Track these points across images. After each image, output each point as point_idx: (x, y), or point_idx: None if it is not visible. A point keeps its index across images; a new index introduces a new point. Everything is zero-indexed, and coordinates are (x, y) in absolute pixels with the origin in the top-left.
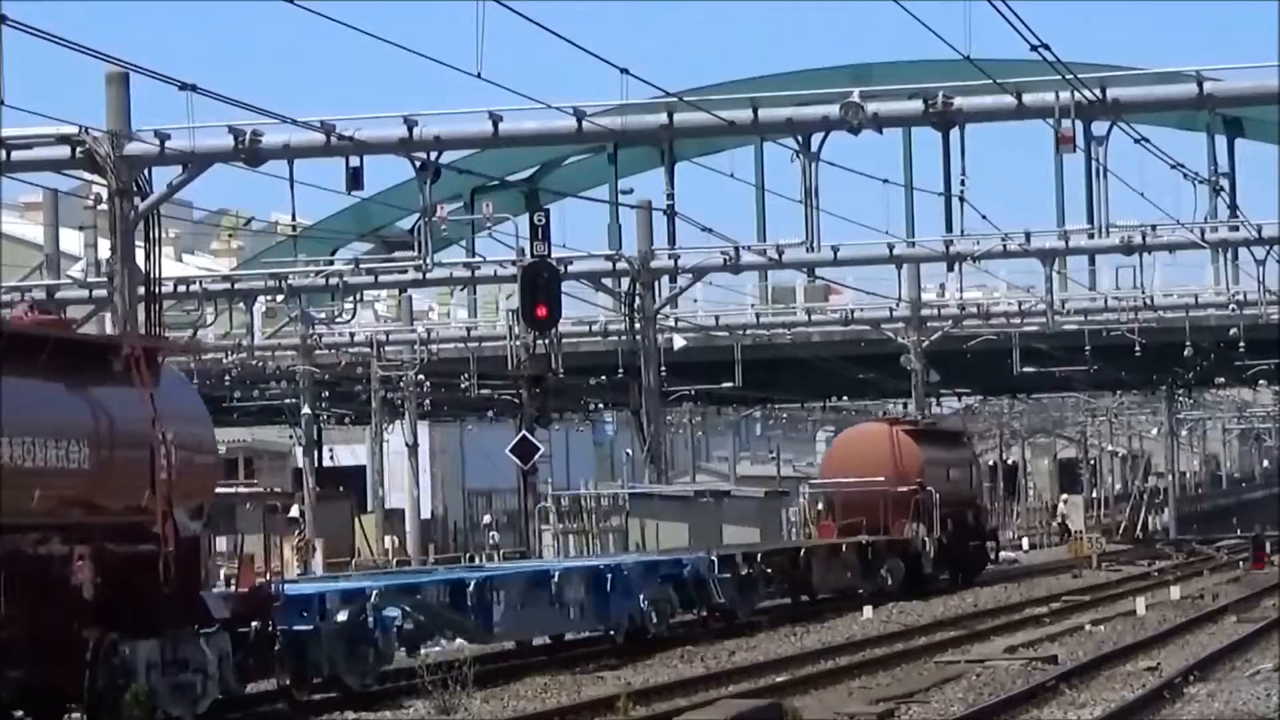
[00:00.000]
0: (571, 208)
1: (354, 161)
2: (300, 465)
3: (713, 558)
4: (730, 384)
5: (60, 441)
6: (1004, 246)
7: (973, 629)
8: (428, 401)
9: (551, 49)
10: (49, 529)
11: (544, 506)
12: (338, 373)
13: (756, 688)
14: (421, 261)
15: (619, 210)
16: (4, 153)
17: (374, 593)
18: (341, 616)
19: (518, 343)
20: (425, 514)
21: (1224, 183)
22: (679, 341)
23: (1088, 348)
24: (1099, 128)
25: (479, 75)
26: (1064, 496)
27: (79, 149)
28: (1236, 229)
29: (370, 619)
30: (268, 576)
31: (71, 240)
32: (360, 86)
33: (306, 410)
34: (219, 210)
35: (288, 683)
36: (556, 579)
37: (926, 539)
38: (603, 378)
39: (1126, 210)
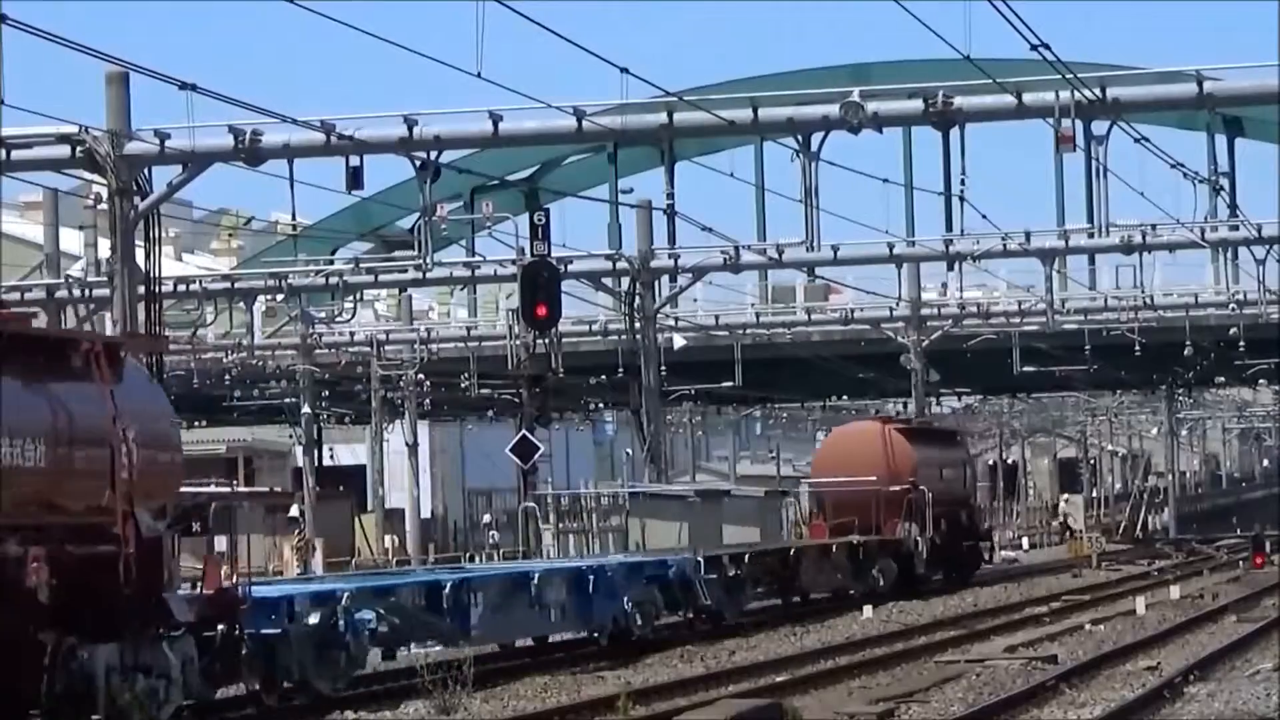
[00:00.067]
0: (571, 207)
1: (354, 161)
2: (300, 465)
3: (699, 558)
4: (730, 384)
5: (15, 439)
6: (1004, 246)
7: (972, 629)
8: (428, 401)
9: (551, 49)
10: (3, 530)
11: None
12: (338, 372)
13: (756, 687)
14: (421, 261)
15: (619, 210)
16: (4, 152)
17: (345, 595)
18: (313, 620)
19: (518, 342)
20: (425, 514)
21: (1224, 182)
22: (679, 341)
23: (1088, 347)
24: (1099, 127)
25: (479, 75)
26: (1065, 496)
27: (79, 148)
28: (1236, 228)
29: (341, 622)
30: (234, 578)
31: (71, 240)
32: (360, 86)
33: (306, 410)
34: (219, 210)
35: (257, 687)
36: (536, 581)
37: (919, 539)
38: (603, 377)
39: (1126, 210)
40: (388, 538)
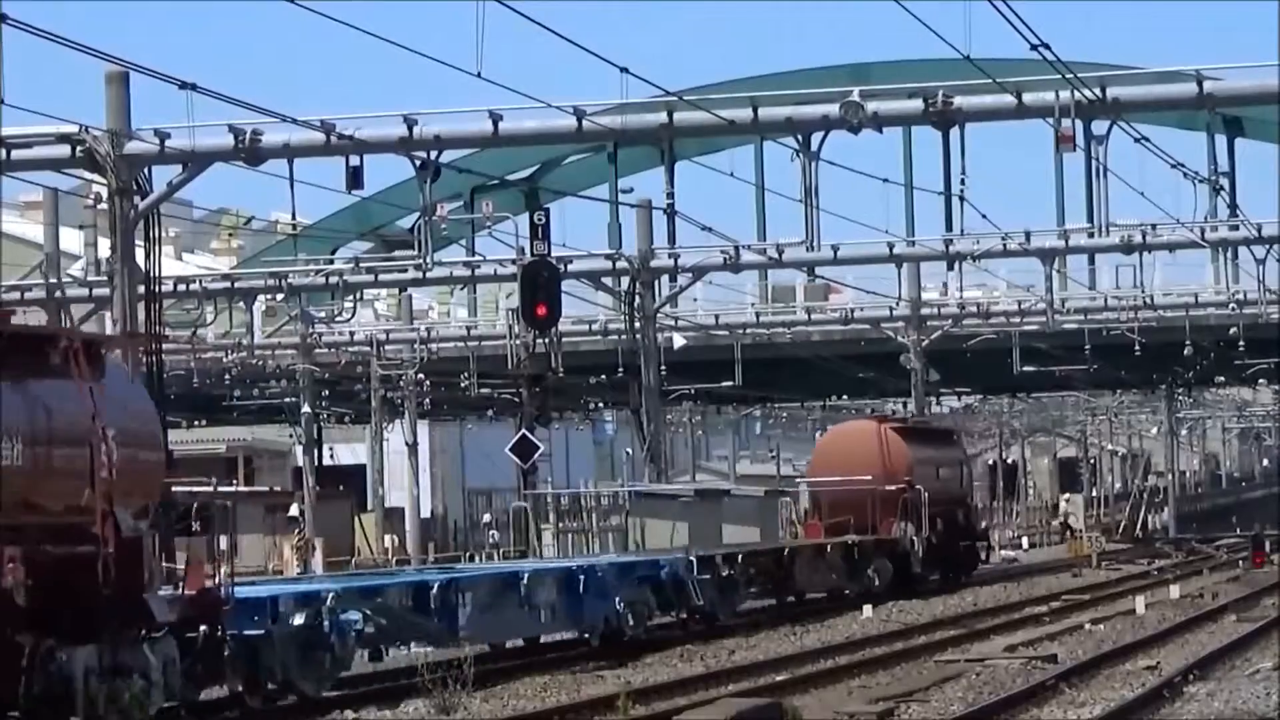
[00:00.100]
0: (571, 207)
1: (354, 161)
2: (300, 464)
3: (691, 558)
4: (730, 383)
5: None
6: (1004, 246)
7: (972, 628)
8: (428, 401)
9: (551, 49)
10: None
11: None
12: (338, 372)
13: (756, 687)
14: (421, 261)
15: (619, 209)
16: (4, 152)
17: (330, 596)
18: (297, 620)
19: (518, 342)
20: (425, 513)
21: (1224, 182)
22: (679, 341)
23: (1088, 347)
24: (1099, 127)
25: (479, 75)
26: (1066, 496)
27: (79, 148)
28: (1236, 228)
29: (326, 623)
30: (217, 579)
31: (71, 239)
32: (360, 86)
33: (306, 409)
34: (219, 209)
35: (240, 689)
36: (526, 581)
37: (915, 538)
38: (603, 377)
39: (1126, 210)
40: (388, 537)
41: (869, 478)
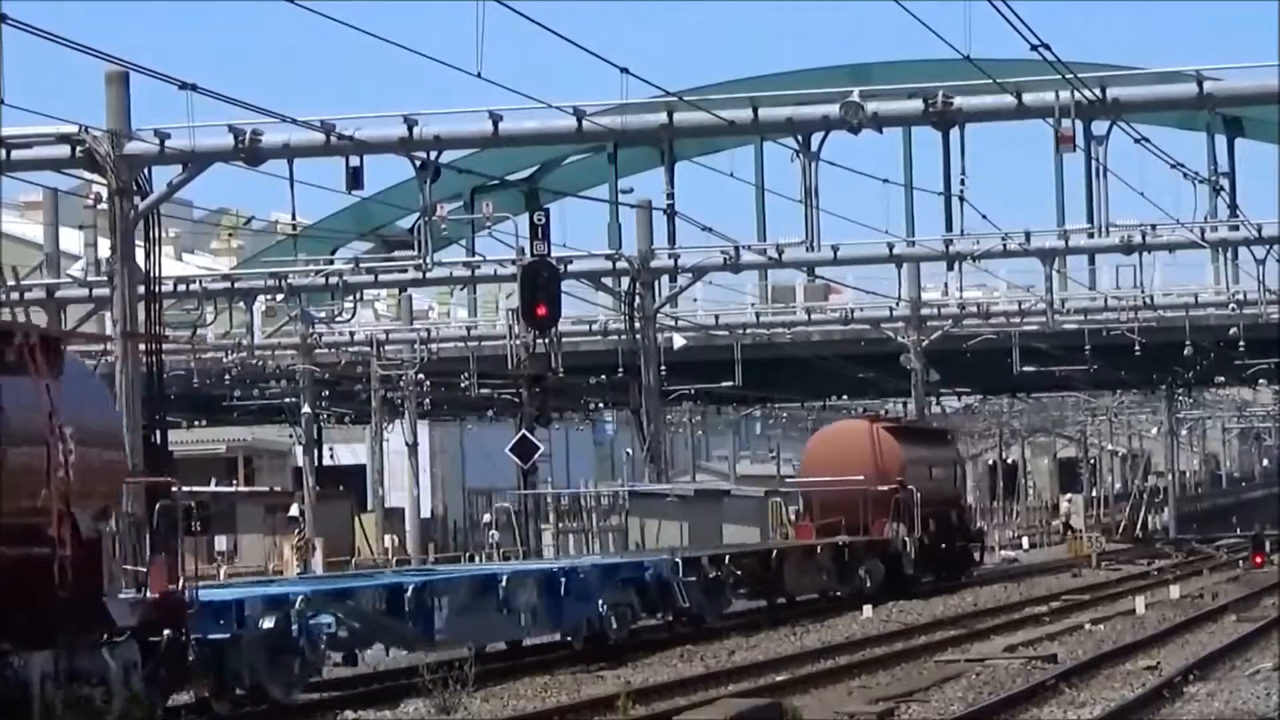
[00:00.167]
0: (571, 207)
1: (354, 161)
2: (300, 464)
3: (677, 560)
4: (730, 383)
5: None
6: (1004, 246)
7: (972, 628)
8: (428, 401)
9: (551, 49)
10: None
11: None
12: (338, 372)
13: (756, 687)
14: (421, 261)
15: (619, 210)
16: (4, 152)
17: (299, 599)
18: (267, 624)
19: (518, 342)
20: (425, 513)
21: (1224, 182)
22: (679, 341)
23: (1088, 347)
24: (1099, 127)
25: (479, 75)
26: (1068, 496)
27: (79, 148)
28: (1236, 229)
29: (295, 626)
30: (181, 581)
31: (71, 240)
32: (360, 86)
33: (306, 409)
34: (219, 210)
35: (206, 695)
36: (505, 583)
37: (907, 539)
38: (603, 377)
39: (1126, 210)
40: (388, 537)
41: (861, 478)
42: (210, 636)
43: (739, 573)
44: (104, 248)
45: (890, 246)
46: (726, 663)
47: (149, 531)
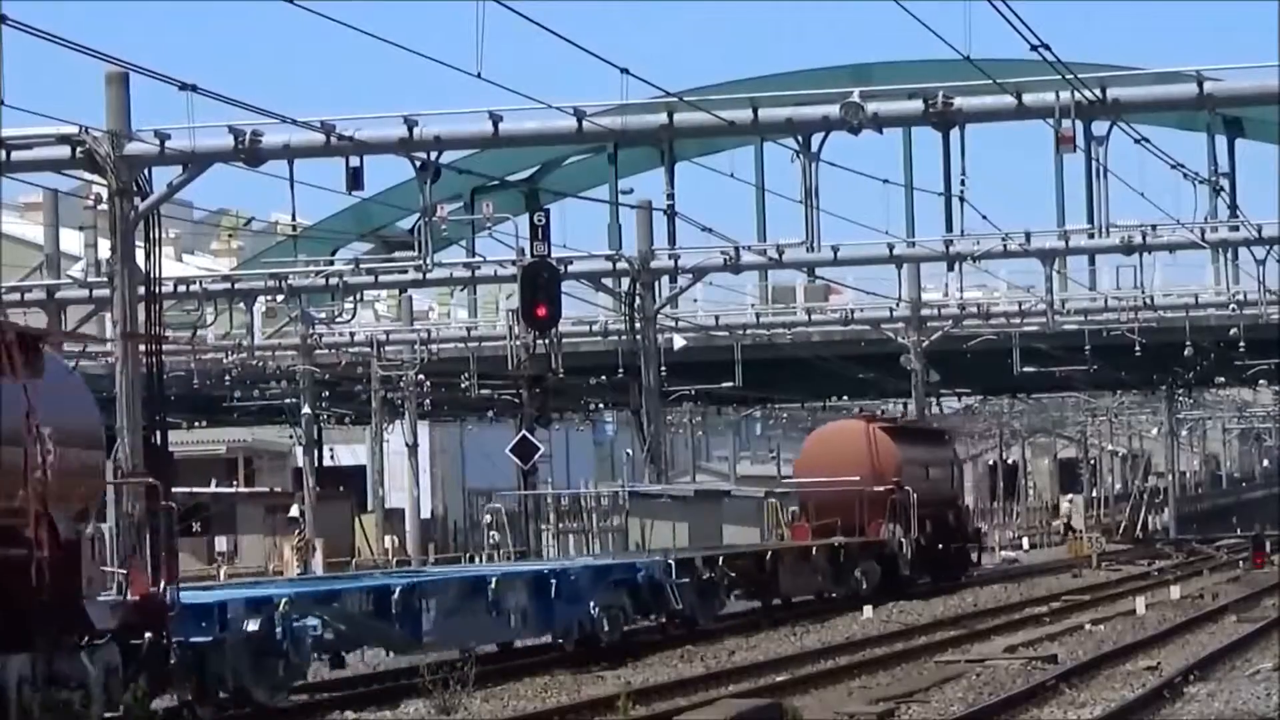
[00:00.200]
0: (571, 208)
1: (354, 161)
2: (300, 465)
3: (670, 561)
4: (730, 384)
5: None
6: (1004, 246)
7: (973, 628)
8: (428, 401)
9: (551, 49)
10: None
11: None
12: (338, 373)
13: (756, 687)
14: (421, 261)
15: (619, 210)
16: (4, 153)
17: (283, 601)
18: (252, 626)
19: (518, 343)
20: (425, 514)
21: (1224, 183)
22: (679, 341)
23: (1088, 348)
24: (1099, 128)
25: (479, 75)
26: (1068, 497)
27: (79, 149)
28: (1236, 229)
29: (279, 629)
30: (162, 584)
31: (71, 240)
32: (360, 86)
33: (306, 410)
34: (219, 210)
35: (189, 698)
36: (494, 585)
37: (903, 540)
38: (603, 378)
39: (1126, 210)
40: (388, 538)
41: (856, 478)
42: (192, 639)
43: (733, 574)
44: (104, 248)
45: (890, 247)
46: (726, 663)
47: (141, 533)
